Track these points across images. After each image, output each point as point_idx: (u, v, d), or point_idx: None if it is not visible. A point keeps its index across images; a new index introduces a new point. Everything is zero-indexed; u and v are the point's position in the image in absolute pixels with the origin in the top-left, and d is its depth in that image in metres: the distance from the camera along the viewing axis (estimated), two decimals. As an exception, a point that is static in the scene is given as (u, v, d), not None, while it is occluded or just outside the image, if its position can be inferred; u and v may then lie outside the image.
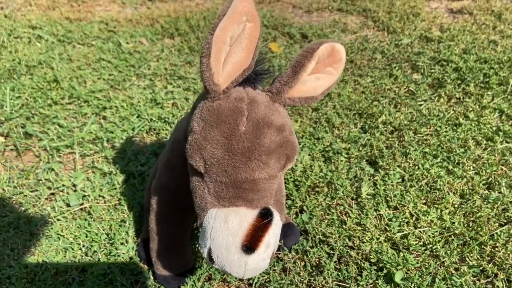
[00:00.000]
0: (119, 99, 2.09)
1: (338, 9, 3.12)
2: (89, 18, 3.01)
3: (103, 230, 1.39)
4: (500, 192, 1.51)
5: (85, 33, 2.78)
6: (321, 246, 1.33)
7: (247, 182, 0.81)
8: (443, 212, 1.42)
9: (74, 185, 1.58)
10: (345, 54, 0.89)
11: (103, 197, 1.53)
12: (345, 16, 3.03)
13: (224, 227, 0.79)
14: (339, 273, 1.24)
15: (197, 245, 1.33)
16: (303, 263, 1.28)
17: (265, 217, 0.80)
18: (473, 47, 2.44)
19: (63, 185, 1.58)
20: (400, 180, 1.57)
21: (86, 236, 1.37)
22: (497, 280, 1.23)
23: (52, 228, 1.40)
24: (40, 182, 1.61)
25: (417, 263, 1.26)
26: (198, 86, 2.20)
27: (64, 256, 1.30)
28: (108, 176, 1.63)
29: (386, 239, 1.35)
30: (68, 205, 1.50)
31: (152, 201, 1.15)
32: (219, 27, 0.78)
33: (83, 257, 1.31)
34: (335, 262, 1.29)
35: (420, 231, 1.36)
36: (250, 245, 0.78)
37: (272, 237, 0.80)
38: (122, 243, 1.34)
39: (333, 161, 1.67)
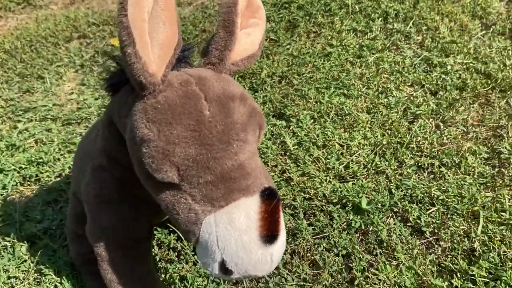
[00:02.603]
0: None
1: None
2: None
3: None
4: (394, 96, 1.64)
5: None
6: (284, 211, 1.27)
7: (235, 169, 0.69)
8: (363, 132, 1.49)
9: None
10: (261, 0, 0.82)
11: (17, 279, 1.20)
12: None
13: (232, 229, 0.67)
14: (314, 227, 1.21)
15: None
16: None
17: (270, 197, 0.70)
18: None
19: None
20: (312, 120, 1.59)
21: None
22: (434, 167, 1.34)
23: None
24: None
25: (370, 184, 1.30)
26: (54, 112, 1.87)
27: None
28: (6, 254, 1.29)
29: (333, 177, 1.36)
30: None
31: (98, 249, 0.93)
32: (130, 3, 0.62)
33: None
34: (305, 218, 1.25)
35: (356, 156, 1.41)
36: (270, 233, 0.67)
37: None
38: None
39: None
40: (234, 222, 0.67)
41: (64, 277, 1.17)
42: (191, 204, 0.69)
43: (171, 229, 1.24)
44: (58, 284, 1.16)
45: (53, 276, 1.18)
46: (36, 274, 1.20)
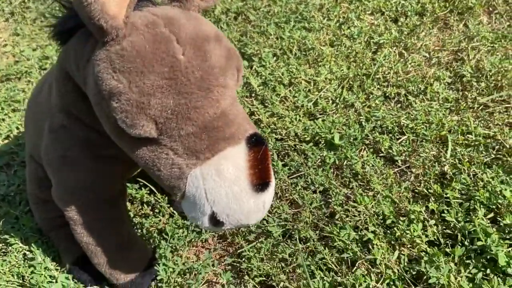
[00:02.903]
0: None
1: None
2: None
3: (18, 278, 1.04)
4: (355, 26, 1.60)
5: None
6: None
7: (217, 118, 0.64)
8: (329, 66, 1.46)
9: None
10: None
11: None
12: None
13: (221, 181, 0.63)
14: (289, 167, 1.20)
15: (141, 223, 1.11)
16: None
17: (257, 144, 0.66)
18: None
19: None
20: (275, 58, 1.52)
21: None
22: (401, 96, 1.35)
23: None
24: None
25: (341, 118, 1.29)
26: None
27: None
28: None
29: (303, 114, 1.33)
30: None
31: (69, 213, 0.87)
32: None
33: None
34: (280, 159, 1.23)
35: (324, 92, 1.38)
36: (262, 181, 0.64)
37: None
38: (50, 282, 1.03)
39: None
40: (222, 173, 0.63)
41: (32, 244, 1.10)
42: (174, 158, 0.64)
43: (141, 183, 1.18)
44: (28, 252, 1.09)
45: (20, 244, 1.11)
46: (1, 245, 1.12)
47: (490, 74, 1.34)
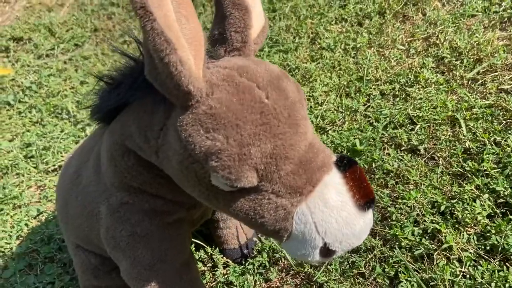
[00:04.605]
0: None
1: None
2: None
3: None
4: (327, 37, 1.67)
5: None
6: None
7: (308, 150, 0.64)
8: (319, 79, 1.50)
9: None
10: None
11: None
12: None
13: (329, 210, 0.63)
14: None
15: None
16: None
17: (348, 164, 0.66)
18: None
19: None
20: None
21: None
22: (396, 90, 1.41)
23: None
24: None
25: (354, 124, 1.32)
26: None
27: None
28: None
29: (315, 131, 1.35)
30: None
31: (147, 287, 0.82)
32: (154, 5, 0.51)
33: None
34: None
35: (326, 105, 1.42)
36: (367, 199, 0.65)
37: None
38: None
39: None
40: (328, 202, 0.63)
41: None
42: (277, 201, 0.63)
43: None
44: None
45: None
46: None
47: (467, 50, 1.45)
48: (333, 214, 0.62)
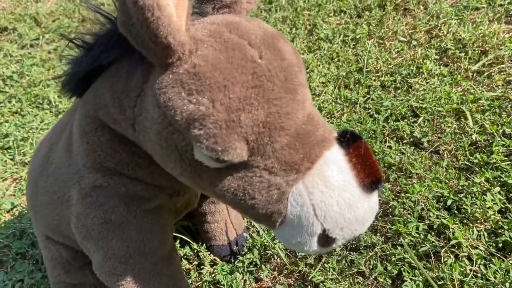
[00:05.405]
0: None
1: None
2: None
3: None
4: (325, 29, 1.59)
5: None
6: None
7: (306, 121, 0.55)
8: (317, 70, 1.42)
9: None
10: None
11: None
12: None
13: (329, 190, 0.54)
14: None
15: None
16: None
17: (352, 140, 0.58)
18: None
19: None
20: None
21: None
22: (397, 82, 1.34)
23: None
24: None
25: (354, 116, 1.24)
26: None
27: None
28: None
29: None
30: None
31: (125, 285, 0.72)
32: None
33: None
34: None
35: (323, 96, 1.34)
36: (374, 178, 0.56)
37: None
38: None
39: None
40: (328, 181, 0.54)
41: None
42: (270, 179, 0.54)
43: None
44: None
45: None
46: None
47: (471, 42, 1.38)
48: (334, 195, 0.54)
